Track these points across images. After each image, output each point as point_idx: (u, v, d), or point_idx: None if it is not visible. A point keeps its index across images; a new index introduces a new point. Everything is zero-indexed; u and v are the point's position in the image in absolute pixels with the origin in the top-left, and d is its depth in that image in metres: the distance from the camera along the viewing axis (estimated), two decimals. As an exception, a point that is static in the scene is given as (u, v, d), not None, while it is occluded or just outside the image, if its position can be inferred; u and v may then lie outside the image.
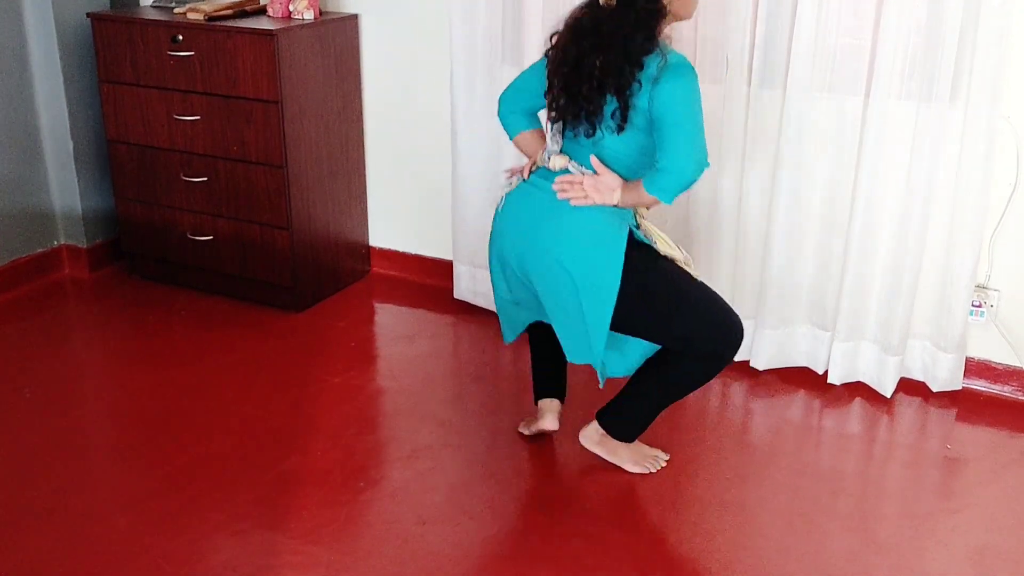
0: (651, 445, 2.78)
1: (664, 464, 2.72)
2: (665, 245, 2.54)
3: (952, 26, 2.77)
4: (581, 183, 2.43)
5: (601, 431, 2.71)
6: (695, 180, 2.39)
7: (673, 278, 2.50)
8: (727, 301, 2.59)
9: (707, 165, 2.40)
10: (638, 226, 2.52)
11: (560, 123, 2.47)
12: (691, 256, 2.70)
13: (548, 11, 3.15)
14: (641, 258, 2.46)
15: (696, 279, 2.55)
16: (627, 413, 2.67)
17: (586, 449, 2.73)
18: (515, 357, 3.43)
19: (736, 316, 2.55)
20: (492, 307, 3.64)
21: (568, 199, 2.43)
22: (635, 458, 2.71)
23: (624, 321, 2.46)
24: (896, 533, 2.50)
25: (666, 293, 2.48)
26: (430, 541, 2.43)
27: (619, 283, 2.40)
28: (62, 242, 3.97)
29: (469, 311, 3.68)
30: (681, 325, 2.49)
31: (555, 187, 2.46)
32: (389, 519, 2.52)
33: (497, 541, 2.45)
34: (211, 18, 3.48)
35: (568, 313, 2.47)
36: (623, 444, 2.70)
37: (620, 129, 2.39)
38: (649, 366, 2.61)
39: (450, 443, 2.86)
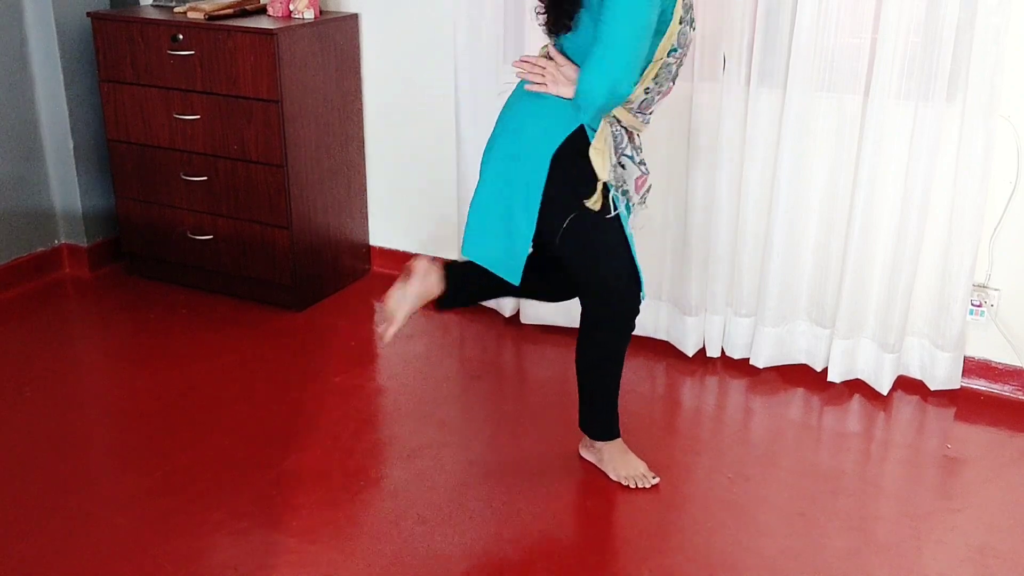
0: (650, 449, 2.79)
1: (649, 486, 2.65)
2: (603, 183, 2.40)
3: (950, 25, 2.77)
4: (543, 68, 2.38)
5: (586, 437, 2.74)
6: (606, 105, 2.26)
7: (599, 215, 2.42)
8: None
9: (626, 91, 2.25)
10: (628, 146, 2.44)
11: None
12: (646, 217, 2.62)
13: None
14: (583, 172, 2.37)
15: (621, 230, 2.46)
16: (586, 408, 2.68)
17: (583, 458, 2.78)
18: (515, 356, 3.44)
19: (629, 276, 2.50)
20: (494, 306, 3.65)
21: (527, 81, 2.41)
22: (623, 470, 2.67)
23: (549, 234, 2.43)
24: (895, 532, 2.50)
25: (592, 220, 2.40)
26: (430, 541, 2.44)
27: (547, 170, 2.35)
28: (62, 241, 3.98)
29: (469, 310, 3.68)
30: (601, 263, 2.46)
31: (515, 65, 2.44)
32: (389, 519, 2.52)
33: (497, 541, 2.45)
34: (211, 17, 3.48)
35: (494, 204, 2.46)
36: (608, 447, 2.69)
37: (566, 28, 2.33)
38: (577, 355, 2.61)
39: (450, 443, 2.86)
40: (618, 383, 2.63)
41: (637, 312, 2.56)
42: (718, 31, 3.03)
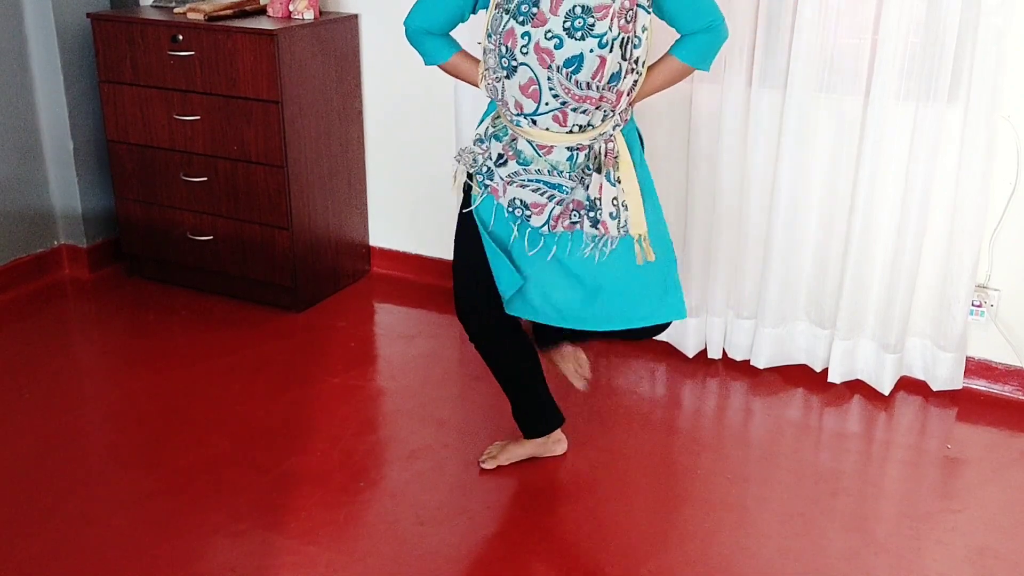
0: (651, 450, 2.80)
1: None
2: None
3: (951, 25, 2.77)
4: None
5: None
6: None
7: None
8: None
9: None
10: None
11: None
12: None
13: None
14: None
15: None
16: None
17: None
18: (515, 357, 3.44)
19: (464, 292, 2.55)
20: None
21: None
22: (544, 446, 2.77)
23: None
24: (895, 533, 2.50)
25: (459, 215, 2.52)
26: (429, 541, 2.44)
27: None
28: (62, 242, 3.97)
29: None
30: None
31: None
32: (388, 519, 2.52)
33: (496, 542, 2.45)
34: (211, 18, 3.48)
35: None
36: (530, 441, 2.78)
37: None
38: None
39: (449, 443, 2.86)
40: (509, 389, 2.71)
41: (482, 331, 2.57)
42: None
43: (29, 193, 3.82)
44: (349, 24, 3.67)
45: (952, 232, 2.98)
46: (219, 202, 3.63)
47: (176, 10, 3.66)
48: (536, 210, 2.35)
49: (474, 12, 2.34)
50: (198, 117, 3.56)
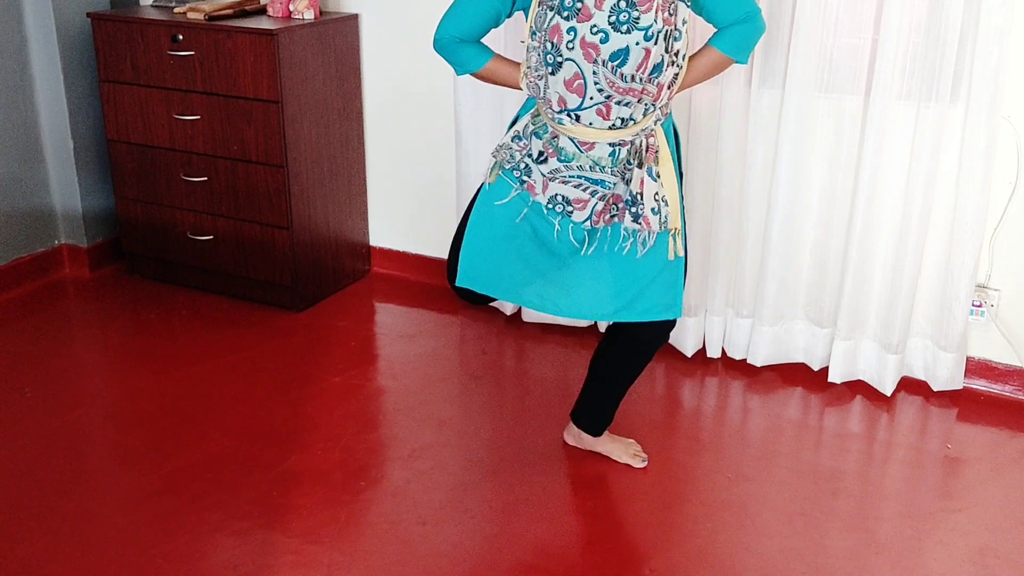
0: (651, 449, 2.81)
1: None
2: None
3: (952, 25, 2.77)
4: None
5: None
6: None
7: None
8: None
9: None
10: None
11: None
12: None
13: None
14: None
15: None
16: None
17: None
18: (516, 356, 3.43)
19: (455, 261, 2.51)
20: (496, 305, 3.65)
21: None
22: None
23: None
24: (896, 533, 2.50)
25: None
26: (431, 541, 2.44)
27: None
28: (62, 242, 3.97)
29: (469, 310, 3.68)
30: None
31: None
32: (389, 519, 2.52)
33: (498, 541, 2.45)
34: (211, 18, 3.48)
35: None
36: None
37: None
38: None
39: (450, 443, 2.86)
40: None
41: (463, 294, 2.57)
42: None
43: (29, 193, 3.82)
44: (349, 24, 3.67)
45: (952, 232, 2.99)
46: (219, 202, 3.63)
47: (176, 10, 3.66)
48: (579, 206, 2.37)
49: (509, 15, 2.34)
50: (198, 117, 3.56)
